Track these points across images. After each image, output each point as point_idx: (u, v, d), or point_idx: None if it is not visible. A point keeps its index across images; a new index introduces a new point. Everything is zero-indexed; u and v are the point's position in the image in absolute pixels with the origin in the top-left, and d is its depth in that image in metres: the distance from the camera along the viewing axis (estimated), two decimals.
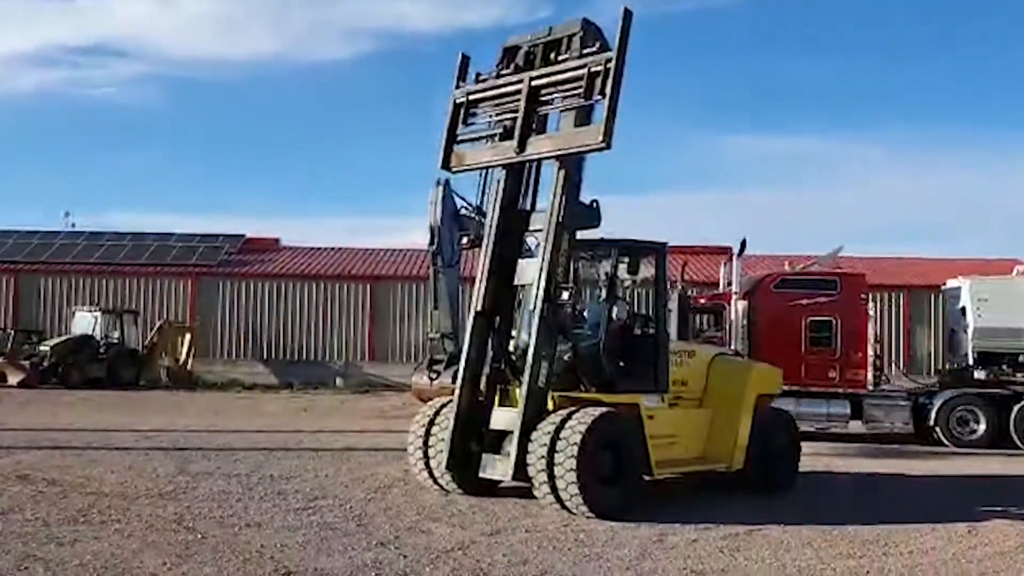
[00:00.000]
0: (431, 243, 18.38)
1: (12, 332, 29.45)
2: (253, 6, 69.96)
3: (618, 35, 8.92)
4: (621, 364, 10.12)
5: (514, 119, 9.59)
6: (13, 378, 26.46)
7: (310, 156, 72.62)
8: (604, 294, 10.29)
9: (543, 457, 8.86)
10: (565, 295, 9.40)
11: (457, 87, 10.21)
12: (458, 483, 9.79)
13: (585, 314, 10.67)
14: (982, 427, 17.02)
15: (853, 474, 13.03)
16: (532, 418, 9.10)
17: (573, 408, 9.21)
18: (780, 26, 67.19)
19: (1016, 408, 16.88)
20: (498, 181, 10.09)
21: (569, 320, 10.17)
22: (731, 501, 10.14)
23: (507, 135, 9.74)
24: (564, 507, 8.92)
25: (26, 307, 32.95)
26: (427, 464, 9.97)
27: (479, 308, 9.75)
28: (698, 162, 69.29)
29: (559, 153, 9.40)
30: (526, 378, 9.16)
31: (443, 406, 10.04)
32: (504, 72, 9.93)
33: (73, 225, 39.12)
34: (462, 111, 10.14)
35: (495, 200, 10.03)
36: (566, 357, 9.81)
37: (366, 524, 8.38)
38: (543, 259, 9.33)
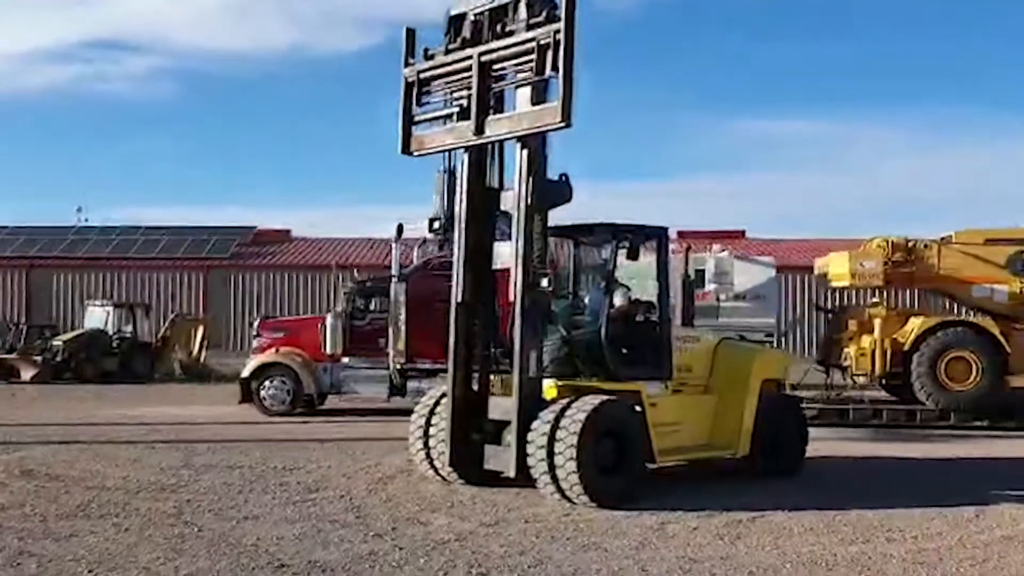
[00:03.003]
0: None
1: (25, 327, 29.60)
2: None
3: (564, 4, 8.56)
4: (624, 351, 10.01)
5: (469, 97, 9.27)
6: (26, 373, 26.61)
7: (322, 146, 72.69)
8: (604, 280, 10.15)
9: (543, 447, 8.77)
10: (545, 281, 9.13)
11: (406, 65, 9.85)
12: (460, 473, 9.73)
13: (586, 301, 10.57)
14: None
15: (859, 458, 12.91)
16: (528, 409, 8.99)
17: (573, 397, 9.12)
18: (787, 9, 66.57)
19: None
20: (461, 163, 9.73)
21: (565, 307, 10.09)
22: (736, 487, 10.03)
23: (464, 114, 9.42)
24: (565, 497, 8.83)
25: (39, 302, 33.17)
26: (428, 455, 9.91)
27: (459, 299, 9.52)
28: (709, 147, 68.94)
29: (519, 134, 9.09)
30: (516, 369, 9.02)
31: (443, 395, 9.96)
32: (452, 46, 9.57)
33: (86, 220, 39.40)
34: (414, 90, 9.80)
35: (461, 183, 9.69)
36: (561, 352, 9.71)
37: (365, 516, 8.33)
38: (517, 245, 9.07)
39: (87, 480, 9.92)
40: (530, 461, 8.90)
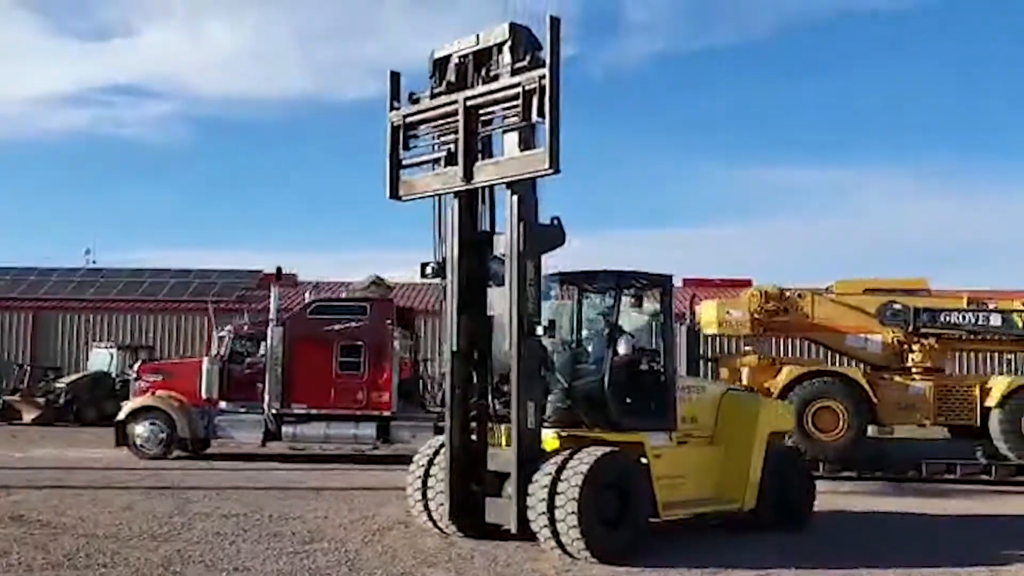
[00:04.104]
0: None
1: (28, 368, 29.48)
2: (283, 46, 70.69)
3: (548, 48, 8.40)
4: (627, 401, 9.81)
5: (456, 141, 9.10)
6: (28, 415, 26.39)
7: (333, 191, 72.96)
8: (607, 329, 9.97)
9: (543, 500, 8.54)
10: (540, 329, 8.88)
11: (392, 108, 9.68)
12: (459, 526, 9.48)
13: (589, 349, 10.39)
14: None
15: (870, 513, 12.58)
16: (527, 461, 8.76)
17: (574, 448, 8.90)
18: (804, 60, 67.03)
19: None
20: (452, 208, 9.47)
21: (568, 355, 9.92)
22: (742, 542, 9.78)
23: (452, 159, 9.23)
24: (566, 552, 8.58)
25: (44, 343, 33.02)
26: (426, 506, 9.68)
27: (454, 348, 9.27)
28: (727, 194, 69.03)
29: (507, 180, 8.89)
30: (514, 421, 8.78)
31: (442, 445, 9.74)
32: (438, 90, 9.42)
33: (94, 262, 39.42)
34: (401, 135, 9.63)
35: (452, 229, 9.42)
36: (564, 402, 9.51)
37: (359, 569, 8.09)
38: (511, 294, 8.82)
39: (78, 527, 9.70)
40: (530, 514, 8.67)
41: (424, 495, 9.69)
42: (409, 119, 9.62)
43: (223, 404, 17.71)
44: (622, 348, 9.93)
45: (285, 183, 73.00)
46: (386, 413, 17.36)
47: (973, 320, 16.91)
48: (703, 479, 10.29)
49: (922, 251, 63.92)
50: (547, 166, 8.37)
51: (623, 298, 9.94)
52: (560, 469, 8.61)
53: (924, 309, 16.87)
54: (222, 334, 18.61)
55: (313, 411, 17.38)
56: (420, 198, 9.75)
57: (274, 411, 17.32)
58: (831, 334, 17.68)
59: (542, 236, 9.02)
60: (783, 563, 8.60)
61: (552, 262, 9.54)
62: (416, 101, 9.59)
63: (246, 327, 19.01)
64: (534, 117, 8.51)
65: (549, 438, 9.32)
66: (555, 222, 9.14)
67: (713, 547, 9.44)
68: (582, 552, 8.48)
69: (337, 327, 17.41)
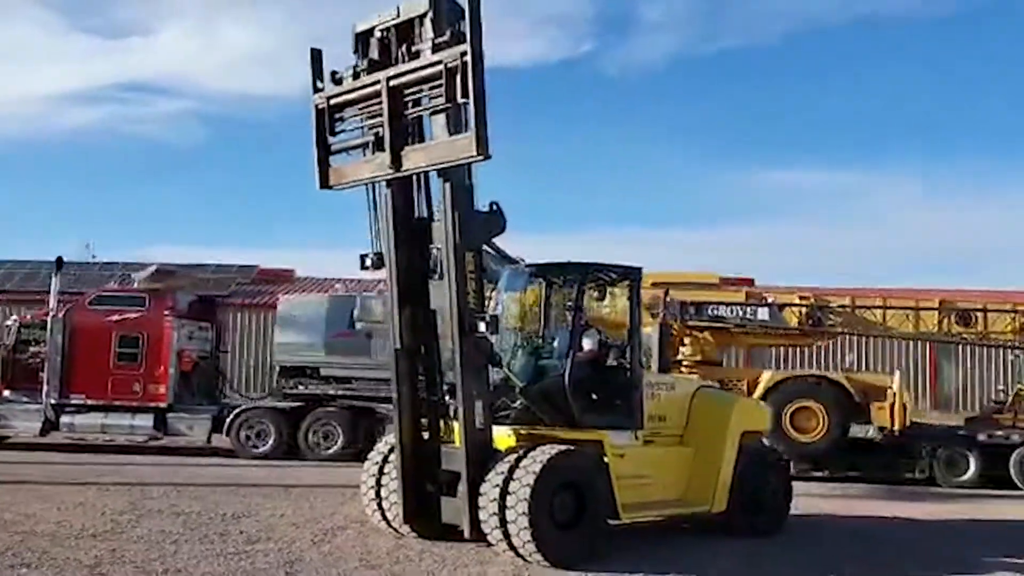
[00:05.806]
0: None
1: None
2: (295, 45, 70.18)
3: (468, 23, 7.74)
4: (594, 398, 9.41)
5: (383, 125, 8.37)
6: None
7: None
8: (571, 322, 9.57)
9: (495, 500, 8.14)
10: (482, 325, 8.34)
11: (315, 90, 8.86)
12: (415, 527, 9.09)
13: (554, 344, 9.98)
14: (271, 439, 17.52)
15: (847, 518, 12.16)
16: (477, 461, 8.34)
17: (529, 446, 8.51)
18: (813, 63, 66.33)
19: (305, 423, 17.56)
20: (385, 196, 8.85)
21: (530, 349, 9.55)
22: (710, 548, 9.37)
23: (380, 144, 8.54)
24: (518, 555, 8.19)
25: None
26: (380, 505, 9.30)
27: (398, 345, 8.75)
28: (733, 196, 68.39)
29: (437, 166, 8.31)
30: (461, 420, 8.35)
31: None
32: (360, 69, 8.70)
33: (94, 256, 39.18)
34: (327, 118, 8.90)
35: (387, 218, 8.81)
36: (519, 401, 9.12)
37: (297, 571, 7.70)
38: (450, 287, 8.29)
39: (18, 524, 9.33)
40: (482, 515, 8.27)
41: (378, 494, 9.31)
42: (334, 101, 8.88)
43: (7, 393, 17.89)
44: (587, 343, 9.55)
45: (290, 182, 72.68)
46: (162, 405, 17.55)
47: (740, 314, 16.93)
48: (670, 480, 9.87)
49: (930, 254, 63.35)
50: (474, 152, 7.74)
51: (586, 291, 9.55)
52: (513, 468, 8.22)
53: (691, 303, 16.78)
54: (8, 323, 18.83)
55: (91, 402, 17.54)
56: (351, 187, 9.05)
57: (53, 401, 17.46)
58: (610, 328, 17.35)
59: (480, 224, 8.51)
60: (751, 571, 8.23)
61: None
62: (339, 81, 8.86)
63: (31, 316, 19.16)
64: (458, 98, 7.86)
65: (505, 436, 8.93)
66: (494, 207, 8.62)
67: (678, 552, 9.06)
68: (534, 555, 8.09)
69: (115, 318, 17.56)
